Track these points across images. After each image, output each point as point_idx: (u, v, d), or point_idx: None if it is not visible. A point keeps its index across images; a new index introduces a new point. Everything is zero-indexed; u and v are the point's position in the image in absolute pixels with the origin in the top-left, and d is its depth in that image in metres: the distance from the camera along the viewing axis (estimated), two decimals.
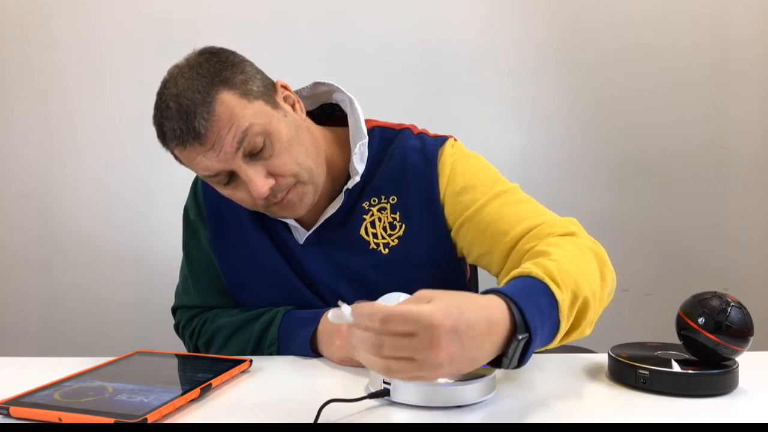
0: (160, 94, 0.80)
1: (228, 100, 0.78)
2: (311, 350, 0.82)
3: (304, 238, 0.92)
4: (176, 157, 0.84)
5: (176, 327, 1.04)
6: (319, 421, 0.57)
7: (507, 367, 0.58)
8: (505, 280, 0.68)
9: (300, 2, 1.72)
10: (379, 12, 1.72)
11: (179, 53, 0.86)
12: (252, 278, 0.95)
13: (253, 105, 0.80)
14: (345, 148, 0.93)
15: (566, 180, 1.75)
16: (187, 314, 1.01)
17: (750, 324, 0.64)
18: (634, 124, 1.75)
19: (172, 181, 1.76)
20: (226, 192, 0.85)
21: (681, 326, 0.67)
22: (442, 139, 0.94)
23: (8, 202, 1.76)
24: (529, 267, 0.66)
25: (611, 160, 1.75)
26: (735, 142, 1.74)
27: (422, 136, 0.94)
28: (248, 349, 0.89)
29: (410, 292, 0.60)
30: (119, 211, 1.75)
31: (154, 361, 0.76)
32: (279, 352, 0.86)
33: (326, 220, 0.91)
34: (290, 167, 0.82)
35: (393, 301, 0.71)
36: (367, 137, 0.90)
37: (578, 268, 0.70)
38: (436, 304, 0.53)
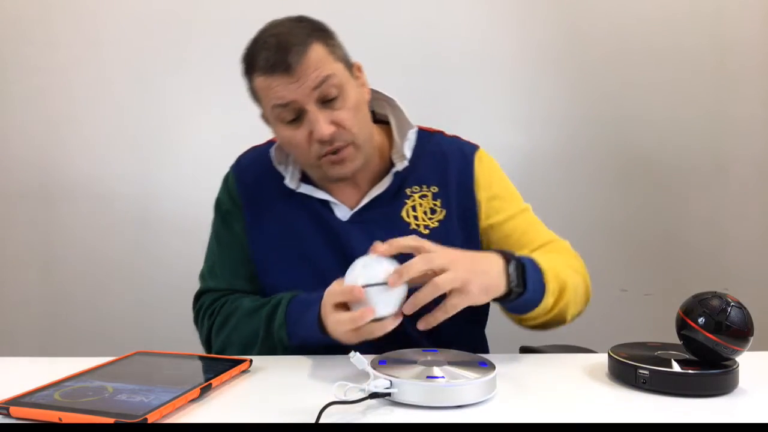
0: (263, 32, 0.90)
1: (320, 50, 0.88)
2: (321, 331, 0.78)
3: (349, 216, 0.96)
4: (252, 89, 0.92)
5: (198, 311, 1.03)
6: (320, 421, 0.57)
7: (512, 285, 0.77)
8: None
9: (299, 2, 1.72)
10: (379, 12, 1.72)
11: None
12: (285, 259, 0.97)
13: (337, 64, 0.90)
14: (384, 142, 1.02)
15: (566, 180, 1.75)
16: (211, 297, 1.01)
17: (750, 324, 0.64)
18: (634, 124, 1.75)
19: (173, 180, 1.77)
20: (285, 132, 0.91)
21: (681, 326, 0.67)
22: (475, 146, 1.06)
23: (8, 201, 1.76)
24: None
25: (611, 160, 1.75)
26: (735, 142, 1.74)
27: (455, 139, 1.06)
28: (260, 334, 0.89)
29: None
30: (120, 210, 1.74)
31: (154, 361, 0.77)
32: (288, 335, 0.85)
33: (371, 200, 0.97)
34: (352, 123, 0.90)
35: (372, 263, 0.73)
36: (416, 128, 1.00)
37: (560, 264, 0.89)
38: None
